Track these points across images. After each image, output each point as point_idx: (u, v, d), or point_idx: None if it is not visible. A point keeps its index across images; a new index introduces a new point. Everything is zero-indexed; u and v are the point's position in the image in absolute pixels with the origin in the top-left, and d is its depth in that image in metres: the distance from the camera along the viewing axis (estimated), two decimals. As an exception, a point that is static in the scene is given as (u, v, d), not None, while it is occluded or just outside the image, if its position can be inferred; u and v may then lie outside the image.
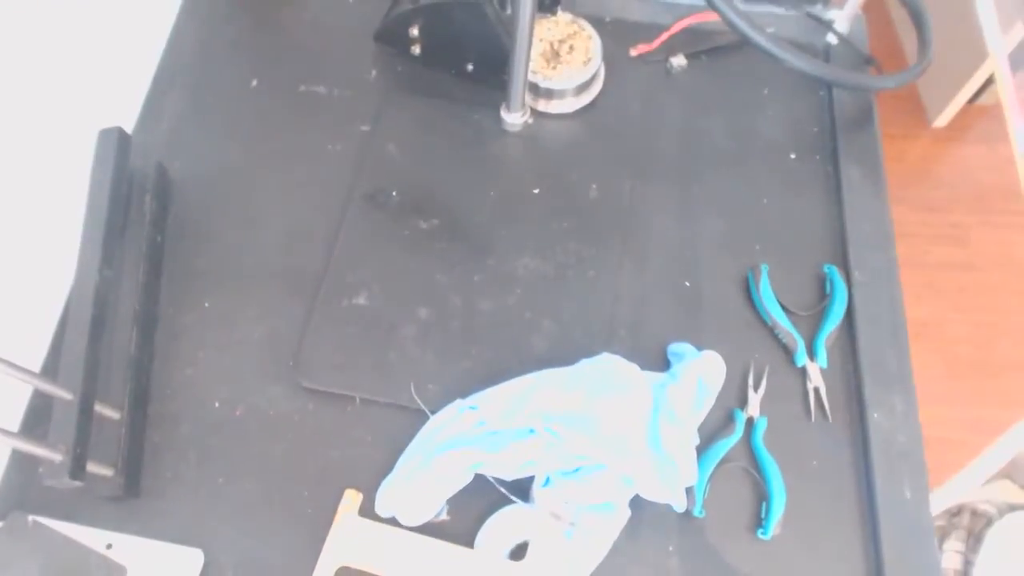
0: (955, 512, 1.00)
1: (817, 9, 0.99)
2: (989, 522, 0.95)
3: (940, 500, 1.05)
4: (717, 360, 0.73)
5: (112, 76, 0.86)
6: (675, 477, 0.66)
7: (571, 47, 0.90)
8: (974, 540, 0.95)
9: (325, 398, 0.74)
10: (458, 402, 0.71)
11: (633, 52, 0.96)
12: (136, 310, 0.74)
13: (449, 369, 0.75)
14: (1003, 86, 1.08)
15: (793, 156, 0.90)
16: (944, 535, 0.97)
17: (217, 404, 0.74)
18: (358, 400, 0.74)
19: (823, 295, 0.81)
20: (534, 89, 0.89)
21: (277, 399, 0.74)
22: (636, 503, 0.67)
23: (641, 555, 0.68)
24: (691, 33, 0.97)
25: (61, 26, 0.76)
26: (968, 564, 0.93)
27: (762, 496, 0.71)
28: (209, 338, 0.77)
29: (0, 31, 0.69)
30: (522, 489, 0.69)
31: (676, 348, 0.76)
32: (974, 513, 0.97)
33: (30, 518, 0.63)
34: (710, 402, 0.72)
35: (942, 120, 2.10)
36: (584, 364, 0.72)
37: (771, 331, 0.78)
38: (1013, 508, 0.97)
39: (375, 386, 0.74)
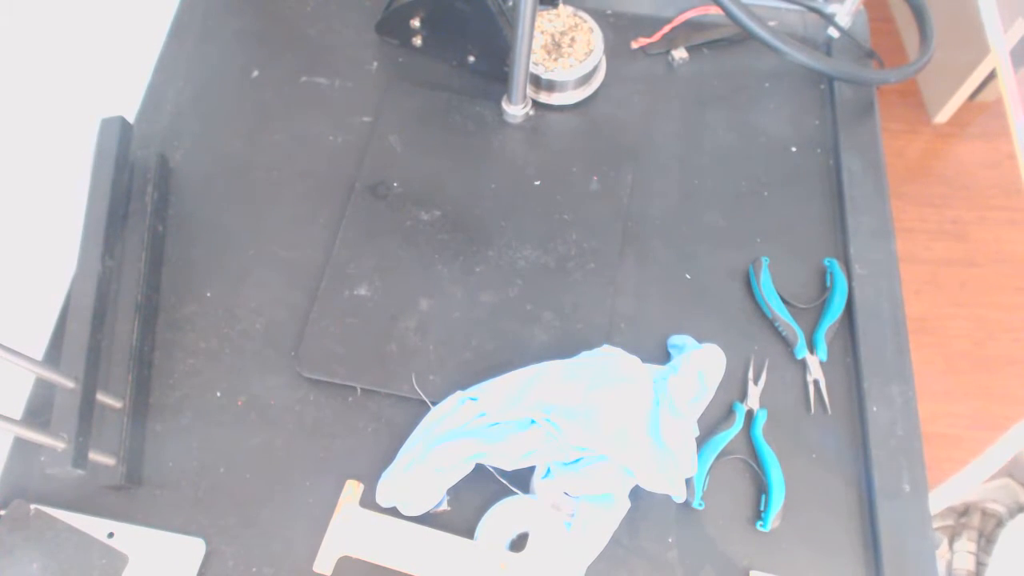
0: (963, 512, 1.00)
1: (819, 3, 0.98)
2: (1000, 522, 0.95)
3: (942, 498, 1.05)
4: (717, 352, 0.73)
5: (114, 65, 0.86)
6: (675, 468, 0.66)
7: (572, 39, 0.90)
8: (985, 541, 0.94)
9: (326, 388, 0.74)
10: (459, 393, 0.71)
11: (634, 45, 0.96)
12: (137, 300, 0.74)
13: (450, 360, 0.75)
14: (1004, 82, 1.08)
15: (794, 149, 0.90)
16: (954, 535, 0.97)
17: (218, 394, 0.74)
18: (359, 391, 0.74)
19: (823, 288, 0.81)
20: (535, 81, 0.89)
21: (278, 389, 0.74)
22: (636, 494, 0.68)
23: (640, 546, 0.69)
24: (692, 26, 0.97)
25: (64, 15, 0.76)
26: (981, 565, 0.93)
27: (761, 488, 0.71)
28: (210, 328, 0.77)
29: (3, 20, 0.68)
30: (522, 480, 0.69)
31: (676, 340, 0.76)
32: (984, 513, 0.97)
33: (32, 507, 0.63)
34: (710, 394, 0.72)
35: (943, 116, 2.10)
36: (584, 356, 0.72)
37: (771, 324, 0.78)
38: (1022, 508, 0.96)
39: (376, 377, 0.74)
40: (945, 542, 0.94)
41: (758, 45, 0.83)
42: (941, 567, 0.91)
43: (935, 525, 0.97)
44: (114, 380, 0.71)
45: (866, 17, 1.00)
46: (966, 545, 0.93)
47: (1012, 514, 0.94)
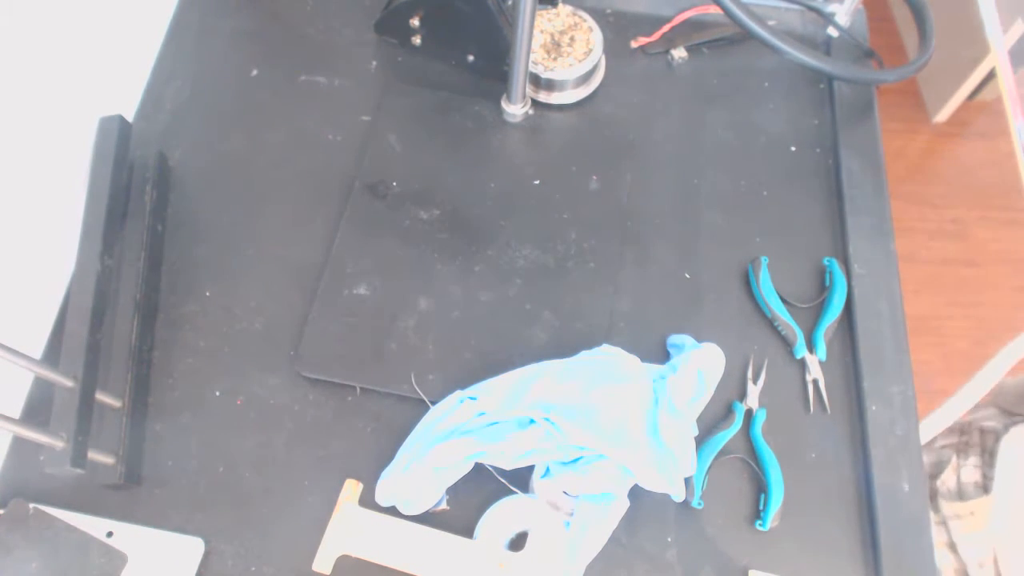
0: (963, 431, 1.04)
1: (818, 2, 0.98)
2: (997, 437, 1.00)
3: (935, 424, 1.12)
4: (716, 352, 0.73)
5: (113, 64, 0.86)
6: (674, 468, 0.66)
7: (572, 38, 0.90)
8: (988, 455, 0.99)
9: (325, 388, 0.74)
10: (458, 392, 0.71)
11: (634, 44, 0.96)
12: (137, 299, 0.74)
13: (449, 359, 0.75)
14: (1003, 82, 1.08)
15: (793, 149, 0.90)
16: (959, 451, 1.01)
17: (218, 393, 0.74)
18: (358, 390, 0.74)
19: (823, 288, 0.81)
20: (535, 80, 0.89)
21: (277, 388, 0.74)
22: (635, 494, 0.68)
23: (640, 545, 0.69)
24: (692, 25, 0.97)
25: (63, 14, 0.76)
26: (987, 479, 0.97)
27: (760, 488, 0.71)
28: (210, 327, 0.77)
29: (2, 19, 0.68)
30: (522, 479, 0.69)
31: (676, 340, 0.76)
32: (982, 431, 1.02)
33: (31, 506, 0.64)
34: (709, 393, 0.72)
35: (942, 115, 2.10)
36: (584, 355, 0.72)
37: (771, 323, 0.78)
38: (1014, 420, 0.99)
39: (375, 376, 0.74)
40: (954, 457, 1.00)
41: (757, 44, 0.82)
42: (952, 481, 0.98)
43: (941, 443, 1.04)
44: (113, 379, 0.71)
45: (865, 16, 1.00)
46: (972, 460, 0.97)
47: (1007, 429, 0.99)
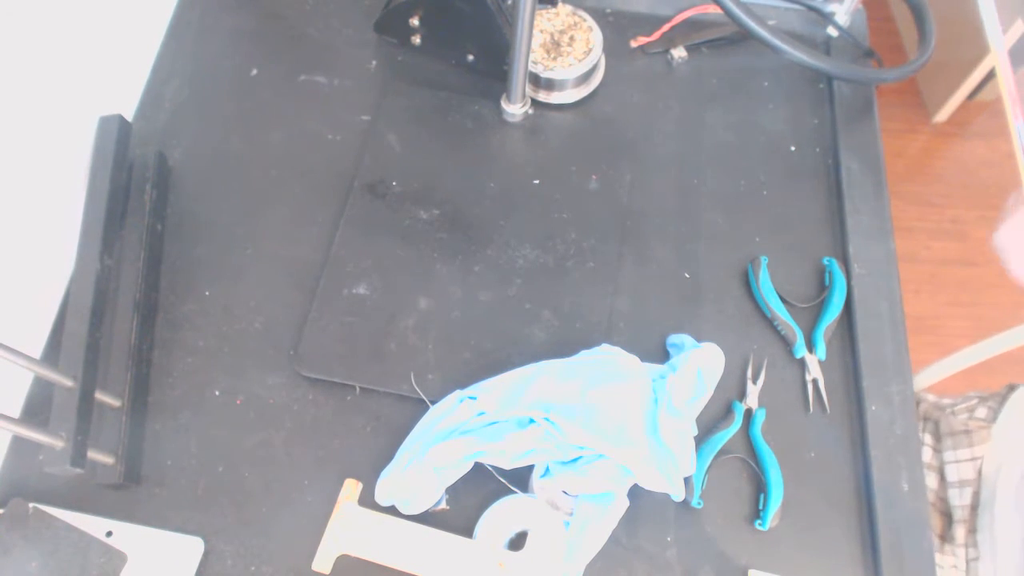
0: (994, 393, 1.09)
1: (818, 2, 0.98)
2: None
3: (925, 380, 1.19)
4: (716, 351, 0.73)
5: (112, 63, 0.86)
6: (673, 467, 0.66)
7: (572, 38, 0.90)
8: (1003, 400, 1.03)
9: (325, 387, 0.74)
10: (457, 392, 0.71)
11: (633, 44, 0.96)
12: (136, 298, 0.74)
13: (449, 359, 0.75)
14: (1003, 82, 1.08)
15: (793, 148, 0.90)
16: (984, 400, 1.05)
17: (217, 393, 0.74)
18: (358, 389, 0.74)
19: (822, 287, 0.81)
20: (535, 80, 0.89)
21: (277, 388, 0.74)
22: (635, 493, 0.68)
23: (639, 545, 0.69)
24: (691, 25, 0.97)
25: (62, 13, 0.76)
26: (995, 418, 1.02)
27: (760, 487, 0.71)
28: (209, 327, 0.77)
29: (2, 18, 0.68)
30: (521, 479, 0.69)
31: (675, 339, 0.76)
32: (1011, 386, 1.05)
33: (31, 505, 0.64)
34: (709, 393, 0.72)
35: (942, 115, 2.10)
36: (583, 355, 0.72)
37: (770, 323, 0.78)
38: None
39: (375, 375, 0.74)
40: (976, 401, 1.04)
41: (757, 44, 0.83)
42: (964, 415, 1.02)
43: (974, 393, 1.08)
44: (113, 379, 0.71)
45: (865, 16, 1.00)
46: (991, 403, 1.02)
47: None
